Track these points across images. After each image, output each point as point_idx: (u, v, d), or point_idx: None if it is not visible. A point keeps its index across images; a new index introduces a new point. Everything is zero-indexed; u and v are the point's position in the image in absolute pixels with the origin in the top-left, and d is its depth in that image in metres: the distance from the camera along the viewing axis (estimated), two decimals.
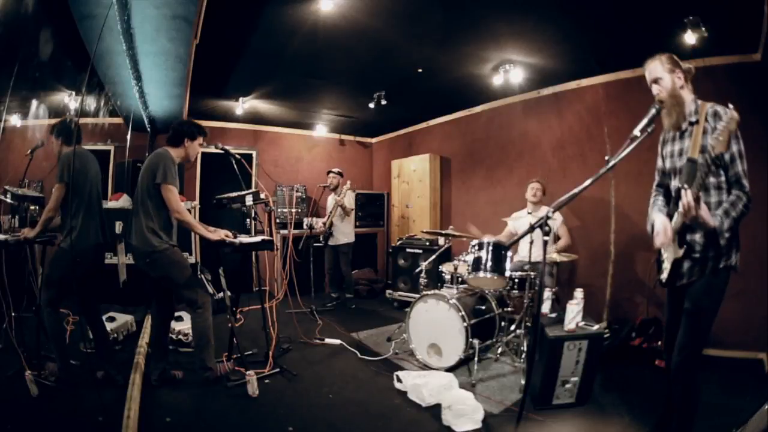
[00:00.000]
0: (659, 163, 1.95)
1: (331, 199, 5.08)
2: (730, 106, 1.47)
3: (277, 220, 5.76)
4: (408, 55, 3.63)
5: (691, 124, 1.74)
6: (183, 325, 3.39)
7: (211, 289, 2.84)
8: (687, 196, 1.51)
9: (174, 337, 3.32)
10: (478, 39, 3.31)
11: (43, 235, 2.59)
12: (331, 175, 5.02)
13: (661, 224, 1.79)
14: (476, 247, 3.28)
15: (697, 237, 1.70)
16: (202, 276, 2.81)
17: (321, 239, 4.93)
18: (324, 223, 4.92)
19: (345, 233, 5.00)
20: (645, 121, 1.61)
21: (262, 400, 2.55)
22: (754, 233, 1.69)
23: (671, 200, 1.87)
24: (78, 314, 2.79)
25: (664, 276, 1.82)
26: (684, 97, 1.76)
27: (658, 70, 1.78)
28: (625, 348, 3.23)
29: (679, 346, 1.75)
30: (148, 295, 2.79)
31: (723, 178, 1.68)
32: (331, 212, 4.89)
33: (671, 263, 1.77)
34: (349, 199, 4.94)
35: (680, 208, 1.58)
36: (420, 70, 3.98)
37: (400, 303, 5.06)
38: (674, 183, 1.83)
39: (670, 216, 1.80)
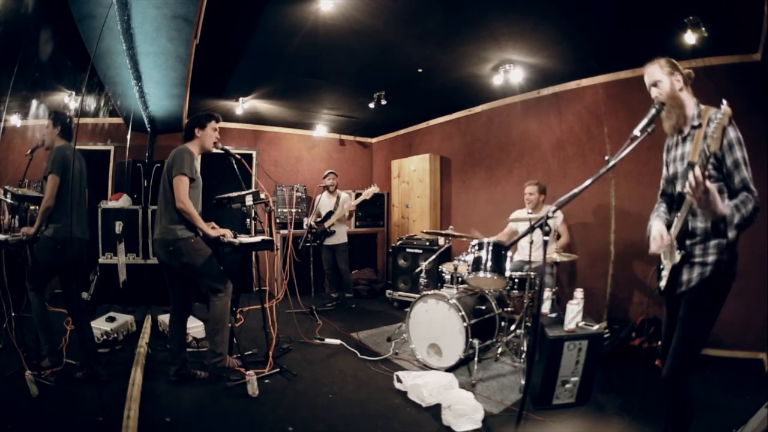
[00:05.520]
0: (664, 171, 1.92)
1: (326, 200, 5.05)
2: (724, 102, 1.43)
3: (277, 220, 5.76)
4: (408, 55, 3.63)
5: (693, 128, 1.73)
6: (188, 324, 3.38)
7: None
8: (695, 171, 1.46)
9: None
10: (478, 39, 3.31)
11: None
12: (330, 176, 5.02)
13: (656, 230, 1.78)
14: (476, 247, 3.28)
15: (697, 243, 1.67)
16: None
17: (311, 238, 4.88)
18: (316, 223, 4.92)
19: (342, 233, 5.01)
20: (645, 121, 1.60)
21: (262, 400, 2.55)
22: (753, 233, 1.68)
23: (673, 207, 1.84)
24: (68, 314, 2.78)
25: (663, 284, 1.79)
26: (684, 100, 1.75)
27: (656, 74, 1.77)
28: (625, 348, 3.23)
29: (671, 354, 1.73)
30: (169, 291, 2.80)
31: (723, 184, 1.63)
32: (332, 212, 4.89)
33: (669, 270, 1.74)
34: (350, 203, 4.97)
35: (686, 188, 1.52)
36: (420, 70, 3.98)
37: (400, 303, 5.07)
38: (677, 188, 1.80)
39: (669, 225, 1.78)
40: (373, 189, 4.81)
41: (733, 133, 1.60)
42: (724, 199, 1.60)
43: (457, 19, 2.99)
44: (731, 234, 1.57)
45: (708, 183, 1.47)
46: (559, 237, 3.72)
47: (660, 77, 1.76)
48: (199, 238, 2.68)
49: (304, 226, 5.06)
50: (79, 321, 2.71)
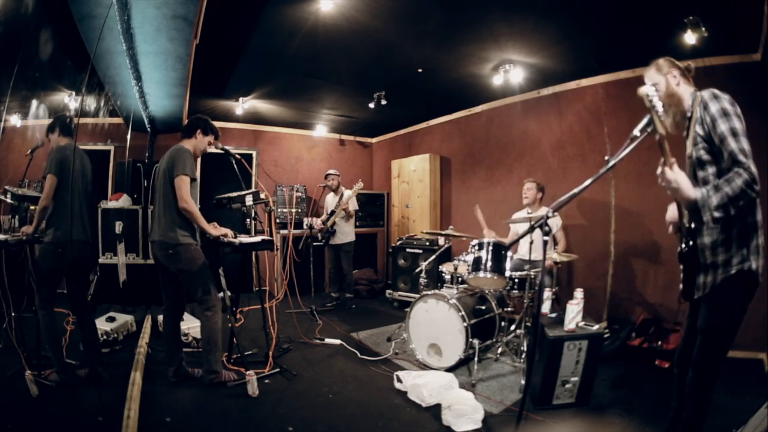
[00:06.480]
0: None
1: (330, 199, 5.08)
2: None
3: (277, 220, 5.76)
4: (408, 55, 3.63)
5: (689, 119, 1.73)
6: (184, 324, 3.38)
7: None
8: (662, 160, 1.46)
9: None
10: (478, 39, 3.31)
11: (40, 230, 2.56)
12: (330, 176, 5.02)
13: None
14: (476, 247, 3.29)
15: (706, 240, 1.61)
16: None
17: (320, 238, 4.93)
18: (323, 222, 4.93)
19: (347, 233, 5.01)
20: (645, 121, 1.60)
21: (262, 400, 2.55)
22: None
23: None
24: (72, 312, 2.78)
25: (681, 286, 1.74)
26: (681, 94, 1.74)
27: (653, 77, 1.78)
28: (625, 348, 3.23)
29: (694, 363, 1.67)
30: (162, 291, 2.79)
31: (716, 168, 1.57)
32: (332, 212, 4.90)
33: (683, 271, 1.70)
34: (353, 202, 4.95)
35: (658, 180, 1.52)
36: (420, 70, 3.98)
37: (400, 303, 5.07)
38: None
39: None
40: (358, 186, 4.78)
41: (715, 107, 1.55)
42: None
43: (457, 19, 2.99)
44: (706, 217, 1.46)
45: (666, 169, 1.46)
46: (556, 244, 3.70)
47: (656, 79, 1.77)
48: (198, 247, 2.68)
49: (305, 226, 5.07)
50: (85, 321, 2.71)
